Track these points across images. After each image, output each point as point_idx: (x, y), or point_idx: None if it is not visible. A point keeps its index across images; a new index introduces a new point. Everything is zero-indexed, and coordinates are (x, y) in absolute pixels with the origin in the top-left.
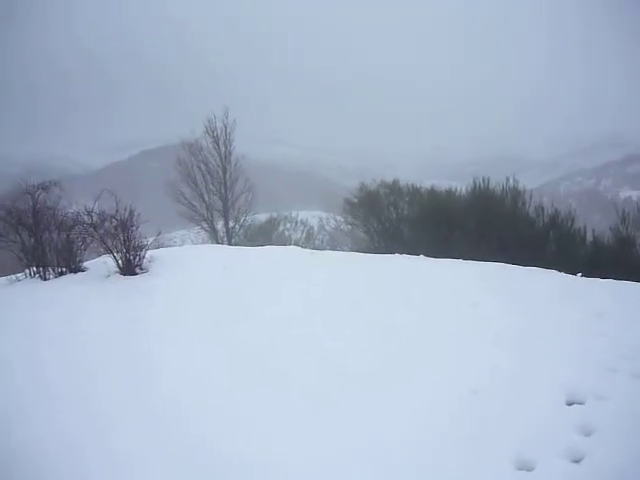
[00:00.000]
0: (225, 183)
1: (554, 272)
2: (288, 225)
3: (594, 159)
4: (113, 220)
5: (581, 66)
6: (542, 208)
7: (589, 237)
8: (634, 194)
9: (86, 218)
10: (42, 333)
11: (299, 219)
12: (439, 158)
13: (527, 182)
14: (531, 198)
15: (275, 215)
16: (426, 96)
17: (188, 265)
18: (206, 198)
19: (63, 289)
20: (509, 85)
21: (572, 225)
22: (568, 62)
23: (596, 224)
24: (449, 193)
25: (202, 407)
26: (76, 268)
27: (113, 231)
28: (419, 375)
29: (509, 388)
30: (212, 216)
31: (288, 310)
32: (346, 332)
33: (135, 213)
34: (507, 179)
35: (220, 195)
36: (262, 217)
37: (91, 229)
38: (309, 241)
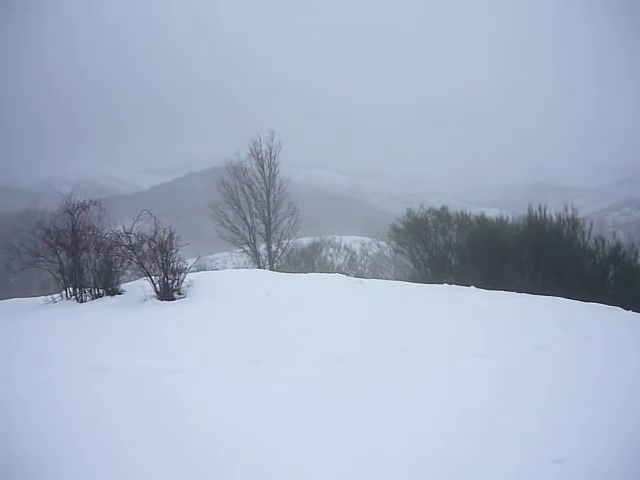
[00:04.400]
0: (269, 206)
1: (620, 309)
2: (331, 250)
3: None
4: (152, 242)
5: (627, 97)
6: (602, 240)
7: None
8: None
9: (124, 239)
10: (63, 364)
11: (342, 244)
12: (482, 186)
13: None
14: (590, 229)
15: (318, 240)
16: (472, 122)
17: (228, 291)
18: (249, 221)
19: (97, 313)
20: (557, 114)
21: (636, 259)
22: (620, 91)
23: None
24: (500, 221)
25: (240, 457)
26: (113, 290)
27: (151, 253)
28: (483, 435)
29: (595, 456)
30: (254, 239)
31: (338, 349)
32: (400, 381)
33: (175, 235)
34: (565, 208)
35: (263, 218)
36: (305, 241)
37: (129, 251)
38: (352, 267)
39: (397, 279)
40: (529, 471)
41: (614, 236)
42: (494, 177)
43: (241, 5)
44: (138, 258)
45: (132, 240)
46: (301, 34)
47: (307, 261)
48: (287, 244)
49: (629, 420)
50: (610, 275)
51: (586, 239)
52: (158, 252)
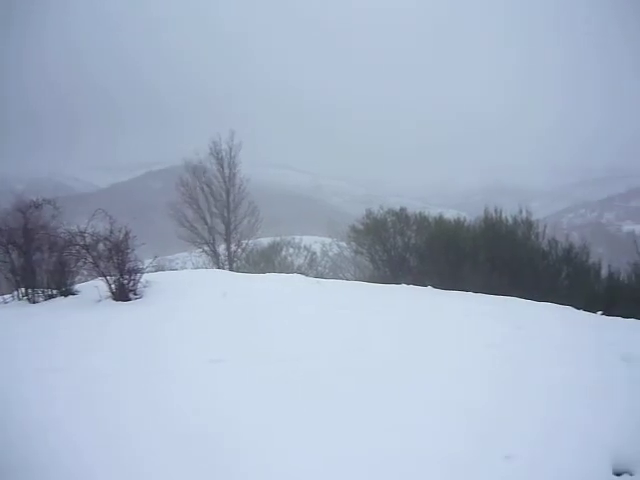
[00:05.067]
0: (228, 206)
1: (571, 309)
2: (291, 250)
3: (599, 192)
4: (107, 242)
5: (590, 98)
6: (555, 241)
7: (603, 272)
8: (637, 228)
9: (79, 239)
10: (15, 366)
11: (302, 244)
12: (444, 188)
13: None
14: (544, 230)
15: (278, 240)
16: (431, 127)
17: (185, 291)
18: (208, 221)
19: (49, 315)
20: (517, 116)
21: (587, 259)
22: (577, 95)
23: (600, 258)
24: (458, 222)
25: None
26: (67, 291)
27: (107, 253)
28: (437, 433)
29: (544, 453)
30: (214, 239)
31: (297, 348)
32: (355, 379)
33: (131, 235)
34: (520, 210)
35: (223, 218)
36: (265, 241)
37: (83, 251)
38: (312, 267)
39: (357, 279)
40: (479, 467)
41: (567, 237)
42: (456, 179)
43: (227, 6)
44: (93, 258)
45: (87, 240)
46: (281, 35)
47: (267, 261)
48: (247, 244)
49: (576, 417)
50: (563, 275)
51: (540, 240)
52: (113, 252)
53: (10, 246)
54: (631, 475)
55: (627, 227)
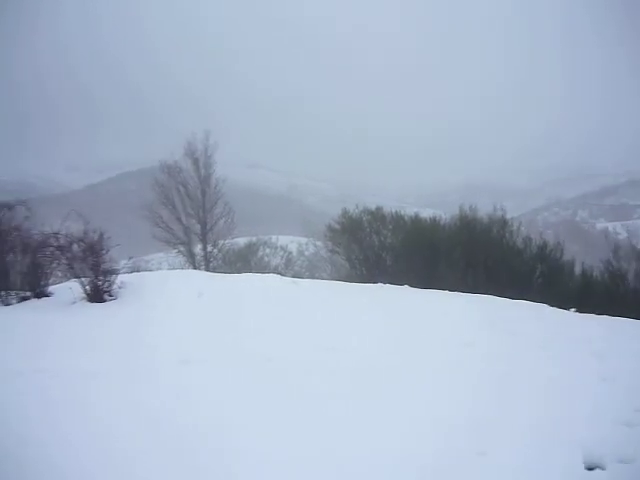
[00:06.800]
0: (204, 206)
1: (545, 306)
2: (267, 250)
3: (571, 190)
4: (81, 243)
5: (559, 96)
6: (530, 239)
7: (577, 270)
8: (610, 225)
9: (53, 240)
10: None
11: (278, 244)
12: (419, 188)
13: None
14: (519, 228)
15: (254, 240)
16: (408, 127)
17: (160, 292)
18: (184, 221)
19: (24, 316)
20: (490, 117)
21: (561, 257)
22: (547, 93)
23: (574, 255)
24: (434, 221)
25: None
26: (41, 293)
27: (81, 255)
28: (412, 432)
29: (518, 449)
30: (190, 240)
31: (268, 348)
32: (326, 378)
33: (105, 236)
34: (494, 208)
35: (198, 218)
36: (241, 241)
37: (57, 252)
38: (288, 267)
39: (333, 279)
40: (456, 462)
41: (541, 235)
42: (432, 179)
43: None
44: (67, 259)
45: (61, 241)
46: (263, 36)
47: (244, 261)
48: (223, 244)
49: (547, 413)
50: (537, 273)
51: (515, 238)
52: (88, 253)
53: None
54: (603, 470)
55: (600, 225)
